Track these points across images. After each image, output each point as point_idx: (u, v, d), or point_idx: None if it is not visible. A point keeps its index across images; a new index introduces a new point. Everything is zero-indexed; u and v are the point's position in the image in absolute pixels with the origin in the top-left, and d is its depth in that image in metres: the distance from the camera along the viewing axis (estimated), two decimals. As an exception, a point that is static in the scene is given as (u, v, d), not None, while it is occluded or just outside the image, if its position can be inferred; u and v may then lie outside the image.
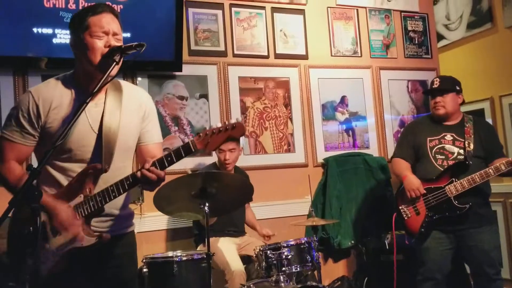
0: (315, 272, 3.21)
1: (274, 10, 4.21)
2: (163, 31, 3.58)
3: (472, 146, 3.08)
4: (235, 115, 3.89)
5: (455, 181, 3.01)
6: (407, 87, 4.65)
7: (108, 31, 1.80)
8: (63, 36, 3.31)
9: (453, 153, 3.13)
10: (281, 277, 2.82)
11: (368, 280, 3.85)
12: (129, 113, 1.93)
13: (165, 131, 3.63)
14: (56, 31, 3.31)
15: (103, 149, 1.83)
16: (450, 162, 3.10)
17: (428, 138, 3.21)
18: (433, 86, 3.28)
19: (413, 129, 3.35)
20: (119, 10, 3.38)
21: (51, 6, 3.26)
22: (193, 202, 2.40)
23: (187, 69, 3.78)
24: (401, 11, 4.71)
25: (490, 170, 2.95)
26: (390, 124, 4.53)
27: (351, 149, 4.35)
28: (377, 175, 4.23)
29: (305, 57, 4.28)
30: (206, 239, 2.41)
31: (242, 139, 3.72)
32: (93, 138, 1.84)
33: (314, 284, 3.00)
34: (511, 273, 4.22)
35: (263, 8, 4.17)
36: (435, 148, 3.17)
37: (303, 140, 4.18)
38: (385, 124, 4.50)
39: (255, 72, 4.08)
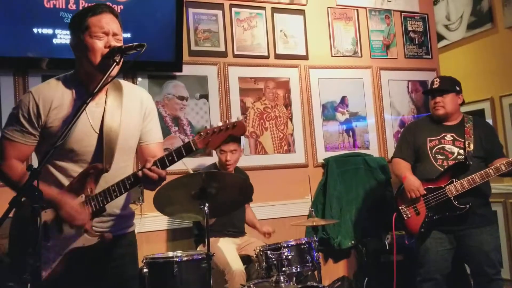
0: (315, 273, 3.21)
1: (274, 10, 4.21)
2: (163, 32, 3.58)
3: (472, 146, 3.08)
4: (235, 116, 3.88)
5: (455, 181, 3.01)
6: (407, 87, 4.65)
7: (108, 32, 1.80)
8: (63, 37, 3.31)
9: (453, 153, 3.13)
10: (281, 277, 2.82)
11: (368, 281, 3.85)
12: (129, 113, 1.93)
13: (165, 132, 3.63)
14: (57, 31, 3.31)
15: (104, 149, 1.83)
16: (450, 162, 3.10)
17: (428, 139, 3.21)
18: (433, 86, 3.28)
19: (413, 130, 3.35)
20: (119, 11, 3.38)
21: (52, 6, 3.27)
22: (193, 202, 2.39)
23: (187, 70, 3.79)
24: (401, 12, 4.71)
25: (490, 171, 2.95)
26: (390, 125, 4.53)
27: (351, 149, 4.35)
28: (377, 176, 4.23)
29: (305, 57, 4.28)
30: (206, 240, 2.41)
31: (242, 140, 3.73)
32: (94, 138, 1.84)
33: (314, 284, 3.00)
34: (511, 273, 4.22)
35: (263, 8, 4.17)
36: (435, 148, 3.17)
37: (303, 141, 4.18)
38: (385, 125, 4.50)
39: (255, 72, 4.08)
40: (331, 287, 3.74)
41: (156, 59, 3.55)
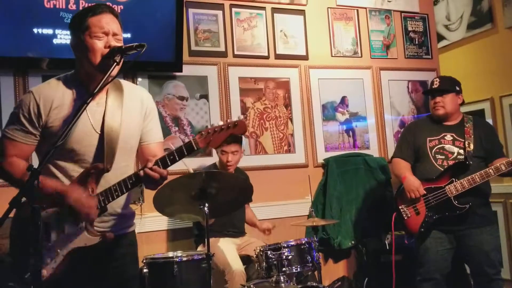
0: (316, 273, 3.21)
1: (274, 10, 4.21)
2: (163, 32, 3.58)
3: (472, 146, 3.08)
4: (235, 116, 3.88)
5: (455, 181, 3.01)
6: (407, 87, 4.65)
7: (108, 32, 1.80)
8: (63, 37, 3.31)
9: (453, 153, 3.13)
10: (281, 278, 2.82)
11: (368, 281, 3.86)
12: (130, 112, 1.94)
13: (166, 132, 3.63)
14: (57, 31, 3.31)
15: (105, 149, 1.83)
16: (450, 162, 3.10)
17: (428, 138, 3.21)
18: (433, 86, 3.28)
19: (413, 130, 3.35)
20: (119, 11, 3.38)
21: (52, 6, 3.27)
22: (192, 203, 2.39)
23: (187, 70, 3.79)
24: (401, 12, 4.71)
25: (490, 170, 2.95)
26: (390, 125, 4.53)
27: (351, 149, 4.35)
28: (377, 176, 4.23)
29: (305, 57, 4.28)
30: (206, 240, 2.41)
31: (243, 141, 3.73)
32: (95, 138, 1.84)
33: (314, 284, 3.00)
34: (511, 273, 4.22)
35: (263, 8, 4.17)
36: (435, 148, 3.17)
37: (303, 141, 4.18)
38: (385, 125, 4.50)
39: (255, 72, 4.08)
40: (331, 287, 3.74)
41: (156, 59, 3.55)
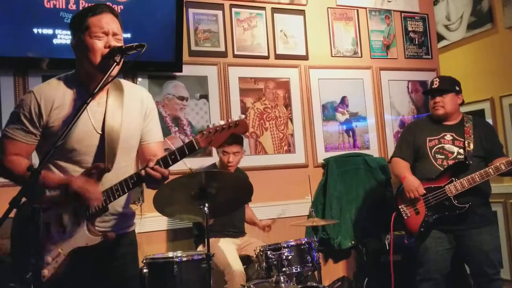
0: (315, 273, 3.21)
1: (274, 10, 4.21)
2: (163, 32, 3.58)
3: (472, 145, 3.08)
4: (235, 116, 3.88)
5: (455, 181, 3.01)
6: (407, 87, 4.65)
7: (108, 32, 1.80)
8: (63, 37, 3.31)
9: (452, 153, 3.13)
10: (281, 278, 2.82)
11: (368, 281, 3.86)
12: (130, 112, 1.94)
13: (166, 132, 3.63)
14: (57, 31, 3.31)
15: (106, 148, 1.83)
16: (450, 162, 3.10)
17: (428, 138, 3.21)
18: (433, 86, 3.28)
19: (413, 129, 3.35)
20: (119, 11, 3.38)
21: (52, 6, 3.27)
22: (192, 202, 2.39)
23: (187, 70, 3.79)
24: (401, 12, 4.71)
25: (490, 170, 2.95)
26: (390, 125, 4.53)
27: (351, 149, 4.35)
28: (377, 176, 4.23)
29: (305, 57, 4.28)
30: (206, 240, 2.41)
31: (244, 141, 3.72)
32: (96, 138, 1.85)
33: (314, 284, 3.00)
34: (511, 273, 4.22)
35: (263, 8, 4.17)
36: (435, 148, 3.17)
37: (303, 141, 4.18)
38: (385, 125, 4.51)
39: (255, 72, 4.08)
40: (331, 287, 3.74)
41: (156, 59, 3.55)
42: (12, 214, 1.47)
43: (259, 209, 3.77)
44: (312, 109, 4.25)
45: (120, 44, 1.82)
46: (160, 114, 3.53)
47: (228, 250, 3.18)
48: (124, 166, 1.92)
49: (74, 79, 1.91)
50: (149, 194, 2.73)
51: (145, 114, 2.00)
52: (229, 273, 3.01)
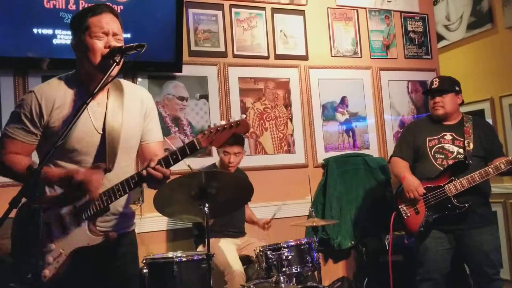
0: (315, 273, 3.21)
1: (274, 10, 4.21)
2: (163, 32, 3.58)
3: (471, 145, 3.08)
4: (235, 116, 3.88)
5: (455, 180, 3.01)
6: (407, 87, 4.65)
7: (108, 32, 1.80)
8: (63, 37, 3.31)
9: (452, 153, 3.13)
10: (281, 278, 2.82)
11: (368, 281, 3.86)
12: (131, 112, 1.94)
13: (166, 132, 3.63)
14: (57, 31, 3.31)
15: (107, 149, 1.84)
16: (450, 162, 3.09)
17: (428, 138, 3.21)
18: (433, 87, 3.28)
19: (412, 129, 3.35)
20: (119, 11, 3.38)
21: (51, 6, 3.27)
22: (192, 203, 2.39)
23: (187, 70, 3.79)
24: (401, 12, 4.71)
25: (490, 169, 2.95)
26: (390, 125, 4.53)
27: (351, 149, 4.35)
28: (377, 176, 4.23)
29: (305, 57, 4.28)
30: (206, 240, 2.41)
31: (246, 142, 3.72)
32: (96, 138, 1.85)
33: (314, 284, 3.00)
34: (511, 273, 4.22)
35: (263, 8, 4.17)
36: (435, 147, 3.17)
37: (303, 141, 4.18)
38: (385, 125, 4.51)
39: (255, 72, 4.08)
40: (331, 287, 3.74)
41: (156, 60, 3.55)
42: (12, 214, 1.47)
43: (259, 209, 3.76)
44: (312, 109, 4.25)
45: (120, 44, 1.82)
46: (160, 114, 3.53)
47: (228, 250, 3.18)
48: (124, 166, 1.92)
49: (74, 79, 1.91)
50: (149, 194, 2.73)
51: (145, 114, 2.00)
52: (229, 273, 3.01)
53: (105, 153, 1.83)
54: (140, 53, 1.73)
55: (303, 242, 2.97)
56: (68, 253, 1.78)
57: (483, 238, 3.01)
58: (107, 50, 1.78)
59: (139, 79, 3.68)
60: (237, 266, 3.06)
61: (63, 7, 3.29)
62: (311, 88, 4.26)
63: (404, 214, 3.14)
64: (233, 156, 3.33)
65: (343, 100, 4.39)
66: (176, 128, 3.77)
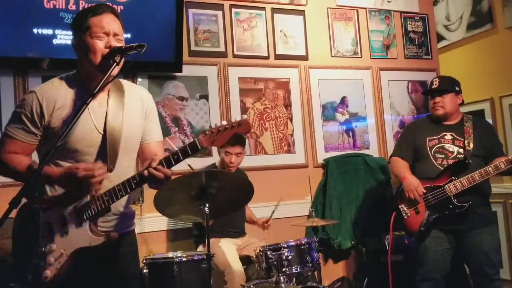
0: (315, 273, 3.21)
1: (274, 10, 4.21)
2: (163, 32, 3.58)
3: (471, 145, 3.08)
4: (235, 116, 3.88)
5: (455, 180, 3.01)
6: (407, 87, 4.66)
7: (109, 32, 1.81)
8: (63, 37, 3.31)
9: (452, 152, 3.13)
10: (281, 278, 2.82)
11: (368, 281, 3.85)
12: (131, 112, 1.94)
13: (165, 132, 3.63)
14: (57, 31, 3.31)
15: (108, 149, 1.84)
16: (450, 161, 3.09)
17: (428, 138, 3.21)
18: (432, 87, 3.28)
19: (412, 130, 3.35)
20: (119, 11, 3.38)
21: (51, 7, 3.27)
22: (193, 203, 2.39)
23: (187, 70, 3.79)
24: (401, 12, 4.71)
25: (490, 169, 2.94)
26: (390, 125, 4.53)
27: (351, 149, 4.35)
28: (377, 176, 4.23)
29: (305, 57, 4.28)
30: (206, 240, 2.41)
31: (246, 143, 3.72)
32: (97, 138, 1.85)
33: (314, 284, 3.00)
34: (511, 273, 4.22)
35: (263, 8, 4.17)
36: (435, 147, 3.17)
37: (303, 141, 4.18)
38: (385, 125, 4.51)
39: (255, 72, 4.08)
40: (331, 287, 3.74)
41: (156, 60, 3.55)
42: (12, 214, 1.47)
43: (259, 209, 3.76)
44: (312, 109, 4.25)
45: (121, 44, 1.82)
46: (160, 114, 3.54)
47: (228, 250, 3.18)
48: (125, 166, 1.92)
49: (75, 79, 1.91)
50: (149, 194, 2.73)
51: (145, 114, 2.00)
52: (229, 273, 3.01)
53: (106, 153, 1.83)
54: (140, 53, 1.73)
55: (303, 242, 2.97)
56: (69, 254, 1.78)
57: (483, 238, 3.01)
58: (108, 50, 1.78)
59: (139, 79, 3.68)
60: (237, 266, 3.06)
61: (63, 7, 3.29)
62: (311, 88, 4.26)
63: (404, 214, 3.15)
64: (234, 157, 3.33)
65: (343, 100, 4.39)
66: (176, 128, 3.77)
